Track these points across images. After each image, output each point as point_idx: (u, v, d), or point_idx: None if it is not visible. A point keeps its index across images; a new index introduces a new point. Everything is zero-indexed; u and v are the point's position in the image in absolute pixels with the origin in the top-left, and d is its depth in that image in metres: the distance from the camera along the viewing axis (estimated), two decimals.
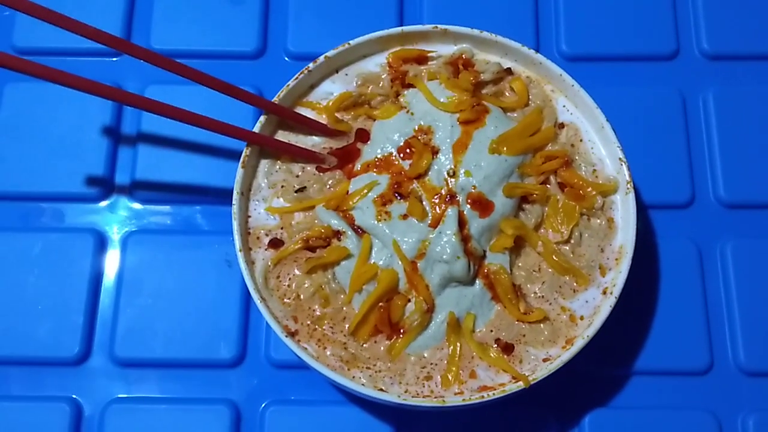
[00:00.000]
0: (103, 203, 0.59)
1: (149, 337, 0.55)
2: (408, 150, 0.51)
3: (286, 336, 0.46)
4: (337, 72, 0.54)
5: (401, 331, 0.48)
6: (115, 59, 0.62)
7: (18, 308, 0.55)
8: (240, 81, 0.51)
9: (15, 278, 0.56)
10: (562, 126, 0.52)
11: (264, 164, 0.52)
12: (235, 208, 0.49)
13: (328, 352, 0.47)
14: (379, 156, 0.51)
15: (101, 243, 0.57)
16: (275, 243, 0.50)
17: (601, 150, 0.51)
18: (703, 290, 0.56)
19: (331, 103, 0.53)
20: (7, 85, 0.61)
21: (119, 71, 0.62)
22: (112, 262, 0.57)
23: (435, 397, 0.46)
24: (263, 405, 0.53)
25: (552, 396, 0.53)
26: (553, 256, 0.49)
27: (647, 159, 0.58)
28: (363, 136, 0.53)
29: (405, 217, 0.49)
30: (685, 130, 0.60)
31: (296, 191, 0.51)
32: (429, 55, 0.54)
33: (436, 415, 0.53)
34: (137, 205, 0.59)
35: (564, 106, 0.53)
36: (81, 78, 0.43)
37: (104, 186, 0.59)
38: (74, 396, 0.54)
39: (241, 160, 0.50)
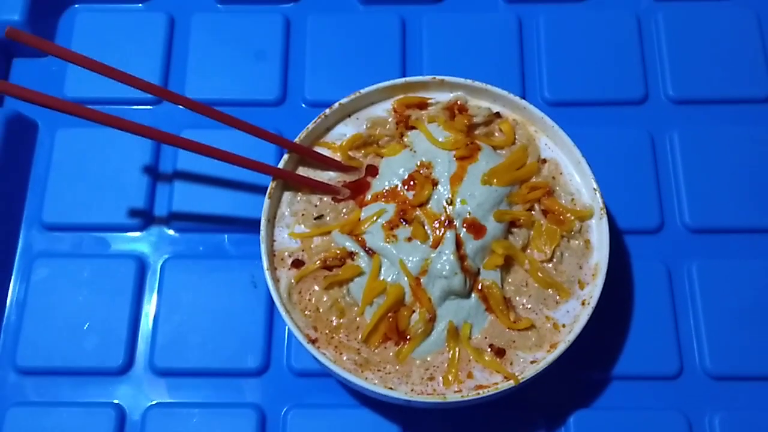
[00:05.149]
0: (144, 232, 0.63)
1: (185, 349, 0.58)
2: (411, 182, 0.55)
3: (308, 343, 0.50)
4: (349, 116, 0.59)
5: (407, 338, 0.52)
6: (151, 107, 0.67)
7: (69, 325, 0.59)
8: (263, 125, 0.55)
9: (66, 298, 0.60)
10: (544, 161, 0.57)
11: (287, 195, 0.56)
12: (263, 233, 0.53)
13: (344, 357, 0.51)
14: (386, 188, 0.56)
15: (142, 267, 0.61)
16: (297, 263, 0.54)
17: (578, 181, 0.56)
18: (672, 304, 0.59)
19: (344, 143, 0.57)
20: (59, 130, 0.65)
21: (155, 118, 0.66)
22: (151, 284, 0.61)
23: (437, 395, 0.49)
24: (285, 409, 0.57)
25: (541, 399, 0.57)
26: (538, 273, 0.53)
27: (621, 191, 0.62)
28: (372, 171, 0.57)
29: (410, 239, 0.53)
30: (654, 165, 0.64)
31: (315, 218, 0.55)
32: (428, 101, 0.59)
33: (438, 414, 0.56)
34: (173, 233, 0.63)
35: (546, 144, 0.57)
36: (129, 121, 0.47)
37: (144, 217, 0.63)
38: (118, 402, 0.58)
39: (268, 192, 0.54)
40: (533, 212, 0.56)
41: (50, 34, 0.71)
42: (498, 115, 0.59)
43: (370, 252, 0.54)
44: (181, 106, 0.52)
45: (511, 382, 0.49)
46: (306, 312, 0.53)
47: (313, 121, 0.57)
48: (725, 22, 0.69)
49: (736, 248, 0.62)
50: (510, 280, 0.54)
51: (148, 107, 0.68)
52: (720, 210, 0.63)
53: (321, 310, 0.53)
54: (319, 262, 0.54)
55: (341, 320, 0.53)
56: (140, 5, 0.72)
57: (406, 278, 0.52)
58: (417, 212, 0.55)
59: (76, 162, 0.65)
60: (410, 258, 0.53)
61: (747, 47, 0.68)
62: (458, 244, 0.53)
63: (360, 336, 0.52)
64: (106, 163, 0.65)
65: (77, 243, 0.63)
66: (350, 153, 0.58)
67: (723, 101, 0.67)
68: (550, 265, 0.54)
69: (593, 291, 0.53)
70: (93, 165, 0.65)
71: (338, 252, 0.54)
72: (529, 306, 0.53)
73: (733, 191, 0.63)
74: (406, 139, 0.58)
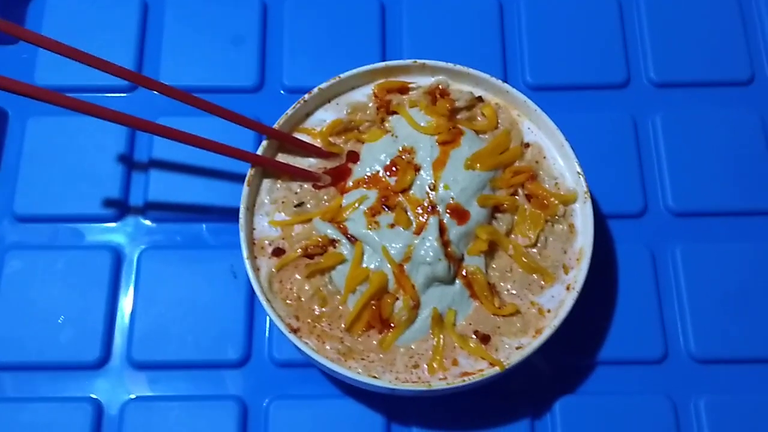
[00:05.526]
0: (119, 223, 0.61)
1: (163, 341, 0.57)
2: (393, 168, 0.54)
3: (290, 332, 0.50)
4: (329, 102, 0.58)
5: (391, 325, 0.51)
6: (125, 95, 0.66)
7: (43, 318, 0.57)
8: (241, 112, 0.53)
9: (40, 292, 0.58)
10: (527, 145, 0.57)
11: (266, 183, 0.55)
12: (242, 222, 0.52)
13: (327, 346, 0.51)
14: (368, 174, 0.55)
15: (118, 258, 0.60)
16: (278, 252, 0.53)
17: (561, 165, 0.56)
18: (656, 289, 0.59)
19: (324, 129, 0.57)
20: (30, 119, 0.64)
21: (129, 106, 0.64)
22: (127, 275, 0.59)
23: (422, 383, 0.49)
24: (267, 400, 0.56)
25: (526, 385, 0.57)
26: (523, 258, 0.53)
27: (604, 175, 0.62)
28: (353, 157, 0.56)
29: (392, 226, 0.52)
30: (636, 149, 0.64)
31: (295, 206, 0.55)
32: (410, 86, 0.58)
33: (424, 402, 0.56)
34: (150, 223, 0.61)
35: (529, 128, 0.57)
36: (104, 108, 0.46)
37: (119, 207, 0.61)
38: (95, 396, 0.56)
39: (246, 179, 0.53)
40: (517, 197, 0.55)
41: (20, 19, 0.69)
42: (480, 99, 0.58)
43: (352, 239, 0.53)
44: (156, 92, 0.51)
45: (497, 369, 0.49)
46: (287, 301, 0.52)
47: (292, 106, 0.56)
48: (706, 5, 0.69)
49: (720, 232, 0.62)
50: (494, 265, 0.54)
51: (122, 95, 0.67)
52: (703, 193, 0.63)
53: (303, 299, 0.52)
54: (300, 250, 0.53)
55: (323, 309, 0.52)
56: None
57: (389, 265, 0.52)
58: (399, 198, 0.54)
59: (49, 151, 0.63)
60: (393, 245, 0.52)
61: (729, 30, 0.69)
62: (442, 229, 0.52)
63: (343, 325, 0.52)
64: (80, 152, 0.63)
65: (50, 234, 0.61)
66: (330, 139, 0.57)
67: (705, 84, 0.67)
68: (535, 250, 0.54)
69: (578, 275, 0.52)
70: (66, 154, 0.63)
71: (320, 240, 0.53)
72: (514, 291, 0.53)
73: (717, 174, 0.63)
74: (387, 125, 0.57)
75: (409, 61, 0.58)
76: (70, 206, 0.62)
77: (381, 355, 0.51)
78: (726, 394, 0.57)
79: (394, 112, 0.58)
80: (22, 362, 0.57)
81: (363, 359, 0.51)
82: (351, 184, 0.55)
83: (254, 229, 0.54)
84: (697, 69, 0.67)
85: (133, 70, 0.64)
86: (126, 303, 0.59)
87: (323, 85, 0.57)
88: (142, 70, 0.67)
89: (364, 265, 0.52)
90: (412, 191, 0.54)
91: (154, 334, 0.58)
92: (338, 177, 0.56)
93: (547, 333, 0.50)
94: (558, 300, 0.52)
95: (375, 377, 0.50)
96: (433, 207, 0.53)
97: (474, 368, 0.50)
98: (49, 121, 0.64)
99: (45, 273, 0.59)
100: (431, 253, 0.51)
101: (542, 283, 0.53)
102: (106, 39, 0.67)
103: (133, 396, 0.57)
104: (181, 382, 0.57)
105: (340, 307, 0.52)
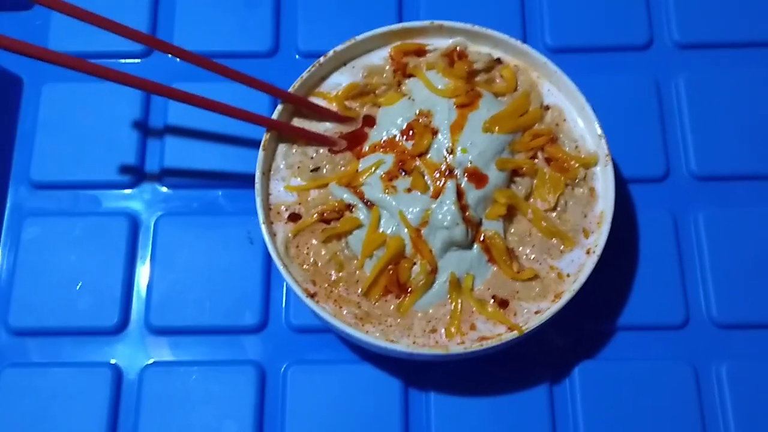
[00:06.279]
0: (135, 189, 0.61)
1: (181, 307, 0.57)
2: (410, 132, 0.54)
3: (307, 297, 0.50)
4: (344, 65, 0.57)
5: (408, 290, 0.51)
6: (139, 60, 0.65)
7: (61, 284, 0.58)
8: (256, 77, 0.53)
9: (58, 258, 0.59)
10: (547, 108, 0.56)
11: (282, 148, 0.55)
12: (258, 186, 0.52)
13: (344, 311, 0.51)
14: (384, 138, 0.54)
15: (134, 225, 0.60)
16: (294, 217, 0.53)
17: (582, 128, 0.55)
18: (678, 253, 0.59)
19: (340, 93, 0.56)
20: (45, 85, 0.64)
21: (144, 71, 0.63)
22: (144, 242, 0.60)
23: (440, 347, 0.49)
24: (285, 365, 0.56)
25: (545, 350, 0.56)
26: (542, 222, 0.52)
27: (626, 138, 0.61)
28: (370, 121, 0.56)
29: (409, 190, 0.52)
30: (659, 112, 0.62)
31: (311, 171, 0.54)
32: (427, 48, 0.57)
33: (441, 367, 0.56)
34: (166, 190, 0.61)
35: (548, 90, 0.56)
36: (121, 72, 0.45)
37: (135, 174, 0.61)
38: (114, 361, 0.57)
39: (262, 144, 0.53)
40: (536, 160, 0.54)
41: None
42: (499, 61, 0.57)
43: (369, 204, 0.53)
44: (170, 55, 0.50)
45: (515, 333, 0.49)
46: (304, 266, 0.52)
47: (307, 69, 0.56)
48: None
49: (743, 196, 0.61)
50: (513, 230, 0.53)
51: (137, 60, 0.66)
52: (727, 157, 0.62)
53: (319, 264, 0.52)
54: (316, 215, 0.53)
55: (340, 274, 0.52)
56: None
57: (406, 230, 0.51)
58: (416, 162, 0.53)
59: (64, 118, 0.63)
60: (410, 209, 0.52)
61: None
62: (459, 194, 0.52)
63: (360, 289, 0.52)
64: (95, 118, 0.63)
65: (67, 201, 0.61)
66: (346, 103, 0.57)
67: (730, 45, 0.65)
68: (554, 214, 0.53)
69: (598, 239, 0.52)
70: (81, 121, 0.63)
71: (336, 204, 0.53)
72: (533, 256, 0.53)
73: (741, 138, 0.62)
74: (404, 88, 0.57)
75: (426, 23, 0.57)
76: (87, 173, 0.62)
77: (398, 320, 0.51)
78: (748, 359, 0.56)
79: (411, 75, 0.57)
80: (41, 327, 0.58)
81: (380, 324, 0.51)
82: (367, 148, 0.55)
83: (270, 194, 0.54)
84: (722, 29, 0.66)
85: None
86: (143, 269, 0.59)
87: (338, 48, 0.56)
88: (155, 35, 0.66)
89: (381, 230, 0.52)
90: (429, 155, 0.53)
91: (171, 300, 0.58)
92: (354, 141, 0.55)
93: (566, 297, 0.50)
94: (578, 264, 0.52)
95: (392, 341, 0.49)
96: (451, 171, 0.52)
97: (492, 333, 0.50)
98: (64, 88, 0.64)
99: (62, 239, 0.60)
100: (449, 218, 0.51)
101: (562, 247, 0.52)
102: (119, 4, 0.66)
103: (151, 361, 0.57)
104: (198, 347, 0.57)
105: (357, 272, 0.52)
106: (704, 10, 0.66)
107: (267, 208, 0.53)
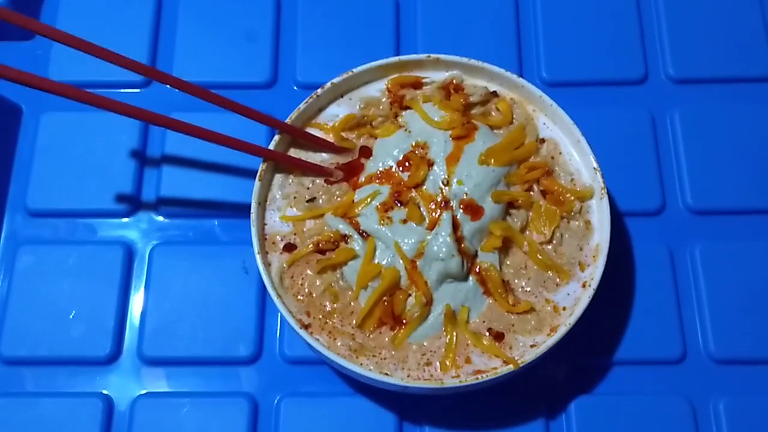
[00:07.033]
0: (131, 218, 0.61)
1: (174, 337, 0.57)
2: (406, 163, 0.54)
3: (301, 328, 0.49)
4: (342, 96, 0.57)
5: (403, 322, 0.51)
6: (138, 90, 0.65)
7: (54, 313, 0.57)
8: (254, 108, 0.53)
9: (52, 286, 0.58)
10: (543, 141, 0.56)
11: (278, 178, 0.55)
12: (253, 216, 0.52)
13: (339, 343, 0.50)
14: (380, 169, 0.54)
15: (129, 254, 0.60)
16: (289, 247, 0.53)
17: (578, 161, 0.55)
18: (675, 288, 0.58)
19: (337, 124, 0.56)
20: (44, 114, 0.64)
21: (143, 101, 0.61)
22: (139, 271, 0.59)
23: (435, 381, 0.48)
24: (278, 397, 0.56)
25: (541, 384, 0.56)
26: (538, 255, 0.52)
27: (622, 172, 0.61)
28: (366, 152, 0.56)
29: (405, 221, 0.52)
30: (654, 146, 0.63)
31: (307, 201, 0.54)
32: (423, 80, 0.57)
33: (436, 401, 0.55)
34: (162, 219, 0.61)
35: (544, 123, 0.56)
36: (119, 102, 0.45)
37: (132, 203, 0.61)
38: (106, 392, 0.56)
39: (258, 174, 0.53)
40: (532, 193, 0.55)
41: (35, 15, 0.69)
42: (495, 94, 0.58)
43: (365, 235, 0.53)
44: (169, 86, 0.50)
45: (511, 367, 0.48)
46: (299, 297, 0.52)
47: (305, 101, 0.56)
48: (726, 0, 0.68)
49: (740, 230, 0.61)
50: (508, 262, 0.53)
51: (136, 90, 0.66)
52: (723, 191, 0.62)
53: (314, 295, 0.52)
54: (311, 245, 0.53)
55: (335, 305, 0.52)
56: None
57: (401, 261, 0.51)
58: (412, 193, 0.53)
59: (62, 147, 0.63)
60: (406, 240, 0.51)
61: (748, 25, 0.67)
62: (455, 225, 0.52)
63: (354, 321, 0.51)
64: (93, 147, 0.63)
65: (63, 229, 0.61)
66: (343, 134, 0.57)
67: (724, 80, 0.66)
68: (550, 246, 0.53)
69: (594, 273, 0.51)
70: (79, 149, 0.63)
71: (331, 235, 0.53)
72: (529, 289, 0.52)
73: (736, 172, 0.62)
74: (400, 120, 0.57)
75: (423, 56, 0.57)
76: (83, 201, 0.62)
77: (393, 352, 0.50)
78: (746, 395, 0.56)
79: (408, 107, 0.57)
80: (33, 357, 0.57)
81: (374, 356, 0.50)
82: (363, 179, 0.55)
83: (266, 224, 0.54)
84: (716, 65, 0.66)
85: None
86: (137, 298, 0.59)
87: (336, 80, 0.56)
88: (155, 66, 0.66)
89: (376, 261, 0.52)
90: (425, 186, 0.53)
91: (165, 330, 0.58)
92: (350, 172, 0.55)
93: (562, 331, 0.49)
94: (574, 298, 0.52)
95: (387, 375, 0.49)
96: (447, 202, 0.52)
97: (487, 366, 0.49)
98: (62, 117, 0.64)
99: (57, 268, 0.59)
100: (444, 249, 0.50)
101: (557, 280, 0.52)
102: (119, 35, 0.67)
103: (143, 392, 0.57)
104: (191, 379, 0.57)
105: (352, 303, 0.52)
106: (698, 46, 0.67)
107: (262, 238, 0.53)
